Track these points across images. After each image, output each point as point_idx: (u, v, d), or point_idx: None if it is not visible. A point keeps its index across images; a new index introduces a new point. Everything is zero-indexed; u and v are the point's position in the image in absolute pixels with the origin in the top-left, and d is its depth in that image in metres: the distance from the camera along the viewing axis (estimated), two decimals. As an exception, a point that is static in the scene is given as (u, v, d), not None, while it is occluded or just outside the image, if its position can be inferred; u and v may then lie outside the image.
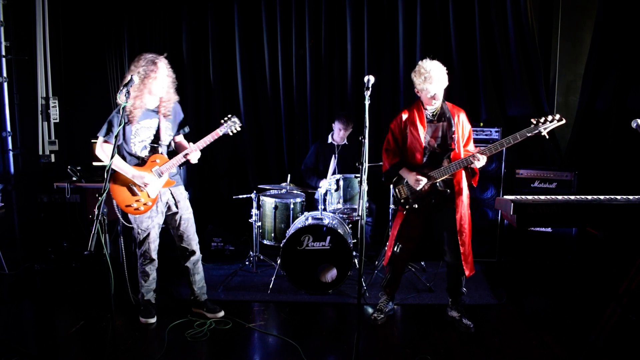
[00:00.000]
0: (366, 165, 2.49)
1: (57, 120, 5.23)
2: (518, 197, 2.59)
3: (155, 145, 3.20)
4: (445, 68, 3.13)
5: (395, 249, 3.31)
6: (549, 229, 4.42)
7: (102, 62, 5.29)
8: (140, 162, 3.18)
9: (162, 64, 3.07)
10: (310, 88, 5.10)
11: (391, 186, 3.42)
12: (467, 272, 3.21)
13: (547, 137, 2.90)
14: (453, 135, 3.16)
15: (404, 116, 3.25)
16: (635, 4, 4.21)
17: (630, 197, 2.50)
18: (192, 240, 3.38)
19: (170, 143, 3.31)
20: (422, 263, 4.38)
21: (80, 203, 4.81)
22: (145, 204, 3.17)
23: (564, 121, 2.86)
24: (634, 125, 2.51)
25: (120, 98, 2.49)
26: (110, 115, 3.14)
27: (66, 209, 4.81)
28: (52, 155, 5.21)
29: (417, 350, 2.99)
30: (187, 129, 3.40)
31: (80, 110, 5.40)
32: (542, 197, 2.58)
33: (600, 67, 4.45)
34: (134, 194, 3.16)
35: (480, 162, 3.02)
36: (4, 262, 4.34)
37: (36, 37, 5.06)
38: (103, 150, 3.11)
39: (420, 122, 3.19)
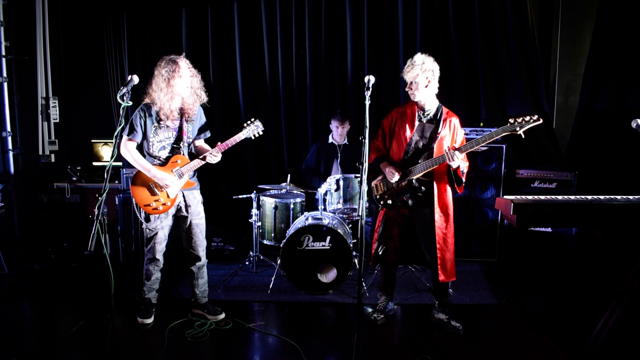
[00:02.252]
0: (366, 165, 2.48)
1: (57, 120, 5.24)
2: (518, 197, 2.59)
3: (177, 146, 3.20)
4: (435, 64, 3.11)
5: (378, 250, 3.32)
6: (549, 229, 4.42)
7: (102, 62, 5.29)
8: (161, 163, 3.19)
9: (184, 63, 3.09)
10: (310, 88, 5.10)
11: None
12: (440, 277, 3.15)
13: (523, 136, 2.88)
14: (436, 135, 3.10)
15: (395, 113, 3.27)
16: (635, 4, 4.21)
17: (630, 197, 2.50)
18: (199, 246, 3.38)
19: (190, 145, 3.31)
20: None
21: (80, 203, 4.82)
22: (164, 204, 3.19)
23: (541, 121, 2.85)
24: (634, 125, 2.51)
25: (120, 98, 2.48)
26: (133, 114, 3.16)
27: (66, 209, 4.82)
28: (52, 155, 5.21)
29: (417, 350, 2.99)
30: (208, 134, 3.39)
31: (80, 110, 5.41)
32: (542, 197, 2.58)
33: (600, 67, 4.45)
34: (153, 193, 3.18)
35: (455, 161, 2.94)
36: (4, 262, 4.34)
37: (36, 37, 5.07)
38: (127, 148, 3.15)
39: (410, 120, 3.17)
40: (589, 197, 2.55)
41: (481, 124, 4.62)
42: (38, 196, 4.90)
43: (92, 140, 5.06)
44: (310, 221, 3.87)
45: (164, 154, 3.20)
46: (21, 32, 4.93)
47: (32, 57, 5.03)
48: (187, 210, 3.30)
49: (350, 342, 3.05)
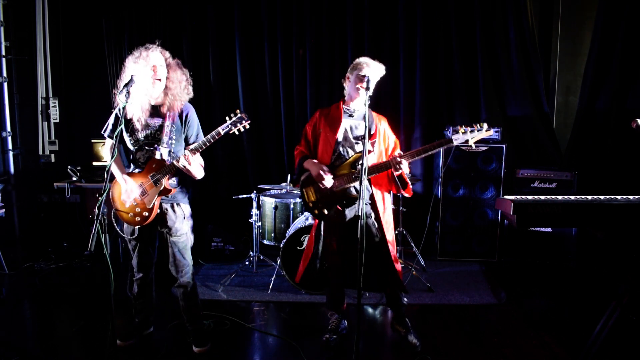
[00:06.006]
0: (366, 165, 2.48)
1: (57, 120, 5.24)
2: (518, 197, 2.59)
3: (151, 148, 2.79)
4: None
5: (317, 267, 3.00)
6: (549, 229, 4.42)
7: (102, 62, 5.29)
8: (139, 167, 2.83)
9: (155, 53, 2.76)
10: (310, 88, 5.10)
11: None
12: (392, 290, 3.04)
13: (474, 147, 2.79)
14: (371, 143, 2.88)
15: (319, 115, 3.01)
16: (635, 4, 4.22)
17: (630, 197, 2.50)
18: (177, 267, 2.92)
19: (171, 147, 2.81)
20: (422, 263, 4.38)
21: (80, 203, 4.82)
22: (141, 214, 2.78)
23: (491, 132, 2.80)
24: (634, 125, 2.51)
25: (120, 98, 2.46)
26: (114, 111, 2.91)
27: (66, 209, 4.82)
28: (52, 155, 5.21)
29: (417, 350, 2.99)
30: (201, 138, 2.80)
31: (80, 110, 5.41)
32: (542, 197, 2.58)
33: (600, 67, 4.45)
34: (130, 201, 2.81)
35: (403, 166, 2.75)
36: (4, 262, 4.34)
37: (36, 37, 5.07)
38: (106, 148, 2.96)
39: (336, 118, 2.91)
40: (589, 197, 2.54)
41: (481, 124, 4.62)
42: (38, 196, 4.90)
43: (92, 140, 5.06)
44: (310, 221, 3.87)
45: (140, 155, 2.82)
46: (21, 32, 4.93)
47: (32, 57, 5.03)
48: (164, 225, 2.87)
49: (351, 342, 3.05)
